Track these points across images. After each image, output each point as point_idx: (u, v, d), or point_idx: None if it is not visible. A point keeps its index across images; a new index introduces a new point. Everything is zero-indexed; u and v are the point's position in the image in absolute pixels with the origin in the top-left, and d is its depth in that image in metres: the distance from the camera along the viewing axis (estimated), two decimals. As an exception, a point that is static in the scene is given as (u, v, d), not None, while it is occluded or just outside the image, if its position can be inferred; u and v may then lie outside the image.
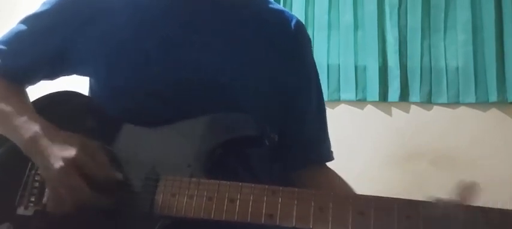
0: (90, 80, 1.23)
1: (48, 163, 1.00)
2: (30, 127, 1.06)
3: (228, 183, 0.96)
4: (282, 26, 1.26)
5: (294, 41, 1.26)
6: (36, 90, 1.26)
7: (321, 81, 2.75)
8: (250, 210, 0.93)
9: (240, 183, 0.96)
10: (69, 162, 0.97)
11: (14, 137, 1.09)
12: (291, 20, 1.28)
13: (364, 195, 0.91)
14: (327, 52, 2.86)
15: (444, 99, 2.75)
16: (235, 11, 1.22)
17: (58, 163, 0.98)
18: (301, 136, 1.25)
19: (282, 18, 1.28)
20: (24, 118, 1.08)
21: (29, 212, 1.04)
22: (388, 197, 0.90)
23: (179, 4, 1.19)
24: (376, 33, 2.82)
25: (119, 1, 1.18)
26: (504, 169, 2.60)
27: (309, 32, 2.82)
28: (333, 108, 2.81)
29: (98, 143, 1.03)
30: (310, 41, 1.33)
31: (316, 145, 1.28)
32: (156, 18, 1.17)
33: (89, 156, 0.99)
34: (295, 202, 0.92)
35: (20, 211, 1.04)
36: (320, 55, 2.85)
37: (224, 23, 1.19)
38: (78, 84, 1.24)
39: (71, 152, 0.98)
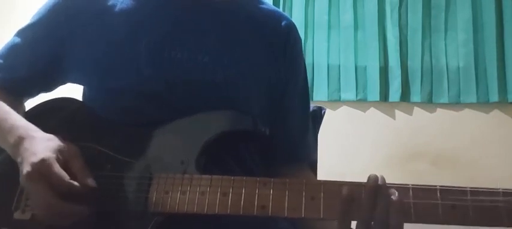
0: (83, 89, 1.23)
1: (22, 168, 0.99)
2: (15, 131, 1.06)
3: (220, 177, 0.96)
4: (272, 26, 1.26)
5: (283, 40, 1.26)
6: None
7: (321, 81, 2.80)
8: (242, 203, 0.92)
9: (232, 177, 0.95)
10: (35, 168, 0.96)
11: (3, 144, 1.10)
12: (282, 20, 1.28)
13: (354, 182, 0.91)
14: (327, 52, 2.86)
15: (445, 99, 2.75)
16: (226, 11, 1.22)
17: (26, 169, 0.97)
18: (282, 133, 1.25)
19: (273, 17, 1.28)
20: (9, 124, 1.09)
21: (26, 216, 1.03)
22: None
23: (171, 5, 1.19)
24: (377, 33, 2.83)
25: (111, 4, 1.18)
26: (505, 168, 2.60)
27: (309, 32, 2.84)
28: (333, 109, 2.82)
29: (75, 149, 1.02)
30: (301, 42, 1.32)
31: (296, 144, 1.27)
32: (148, 19, 1.17)
33: (57, 163, 0.98)
34: (287, 192, 0.92)
35: (17, 215, 1.04)
36: (320, 55, 2.86)
37: (216, 23, 1.20)
38: (74, 91, 1.25)
39: (38, 157, 0.97)
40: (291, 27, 1.29)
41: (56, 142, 1.02)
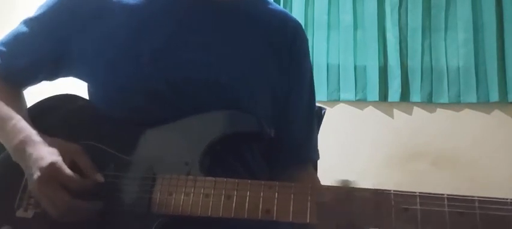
0: (88, 86, 1.23)
1: (29, 173, 1.02)
2: (17, 135, 1.08)
3: (225, 179, 0.95)
4: (279, 27, 1.25)
5: (290, 42, 1.25)
6: (38, 91, 1.28)
7: (320, 81, 2.80)
8: (247, 206, 0.92)
9: (237, 180, 0.95)
10: (45, 172, 0.99)
11: (5, 143, 1.11)
12: (289, 21, 1.27)
13: (360, 188, 0.90)
14: (327, 52, 2.86)
15: (445, 99, 2.74)
16: (233, 11, 1.21)
17: (36, 174, 0.99)
18: (288, 135, 1.25)
19: (280, 19, 1.27)
20: (12, 124, 1.10)
21: (29, 214, 1.04)
22: (384, 189, 0.89)
23: (177, 5, 1.18)
24: (376, 33, 2.82)
25: (116, 2, 1.17)
26: (505, 168, 2.59)
27: (309, 31, 2.83)
28: (333, 109, 2.81)
29: (78, 147, 1.05)
30: (307, 43, 1.32)
31: (301, 146, 1.27)
32: (153, 18, 1.16)
33: (65, 164, 1.00)
34: (292, 196, 0.91)
35: (20, 213, 1.05)
36: (320, 55, 2.85)
37: (222, 23, 1.19)
38: (79, 88, 1.25)
39: (46, 161, 1.00)
40: (297, 28, 1.28)
41: (59, 143, 1.04)
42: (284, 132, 1.23)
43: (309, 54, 1.32)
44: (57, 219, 1.00)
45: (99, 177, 1.02)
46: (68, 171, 1.00)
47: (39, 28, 1.20)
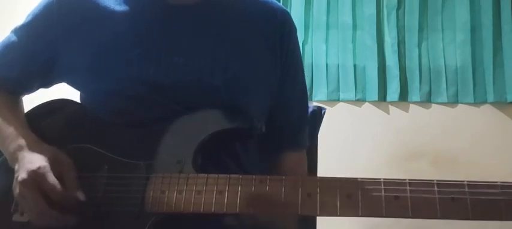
0: (80, 94, 1.24)
1: (17, 174, 1.02)
2: (15, 140, 1.09)
3: (217, 175, 0.96)
4: (267, 18, 1.25)
5: (280, 31, 1.25)
6: (38, 94, 1.29)
7: (320, 81, 2.80)
8: (239, 201, 0.92)
9: (228, 175, 0.95)
10: (30, 175, 0.99)
11: (2, 149, 1.12)
12: (276, 11, 1.26)
13: (351, 178, 0.90)
14: (326, 52, 2.86)
15: (443, 99, 2.75)
16: (221, 10, 1.21)
17: (21, 176, 1.00)
18: (282, 123, 1.26)
19: (268, 9, 1.26)
20: (11, 130, 1.11)
21: (25, 219, 1.05)
22: (374, 178, 0.89)
23: (165, 9, 1.18)
24: (375, 33, 2.83)
25: (104, 7, 1.17)
26: (502, 168, 2.59)
27: (309, 32, 2.84)
28: (332, 109, 2.81)
29: (70, 162, 1.05)
30: (296, 30, 1.31)
31: (294, 133, 1.29)
32: (142, 23, 1.16)
33: (52, 173, 1.00)
34: (283, 189, 0.91)
35: (16, 218, 1.05)
36: (319, 55, 2.86)
37: (211, 24, 1.19)
38: (73, 92, 1.25)
39: (34, 165, 1.00)
40: (286, 15, 1.28)
41: (53, 153, 1.05)
42: (280, 119, 1.25)
43: (297, 40, 1.32)
44: (33, 221, 1.01)
45: (80, 196, 1.01)
46: (52, 178, 0.99)
47: (28, 36, 1.21)
